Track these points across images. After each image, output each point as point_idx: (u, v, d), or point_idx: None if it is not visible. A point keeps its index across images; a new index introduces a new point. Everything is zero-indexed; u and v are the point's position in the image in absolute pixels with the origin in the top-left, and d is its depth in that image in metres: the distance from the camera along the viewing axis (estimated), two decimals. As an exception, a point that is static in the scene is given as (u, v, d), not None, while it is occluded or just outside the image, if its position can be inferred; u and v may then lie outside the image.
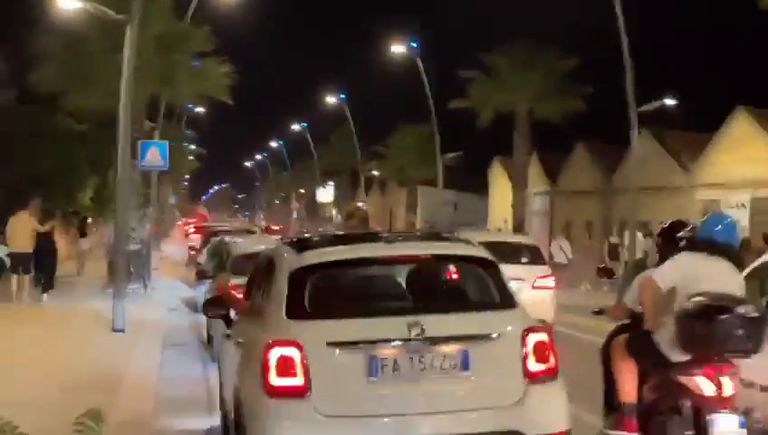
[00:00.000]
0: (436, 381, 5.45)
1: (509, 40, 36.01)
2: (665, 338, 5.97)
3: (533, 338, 5.61)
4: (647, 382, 6.27)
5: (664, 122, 32.11)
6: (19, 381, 9.67)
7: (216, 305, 7.71)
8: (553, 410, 5.60)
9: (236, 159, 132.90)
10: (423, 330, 5.41)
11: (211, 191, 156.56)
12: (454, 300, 6.07)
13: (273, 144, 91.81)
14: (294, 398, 5.34)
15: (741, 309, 5.67)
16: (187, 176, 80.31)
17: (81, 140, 26.59)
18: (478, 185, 51.69)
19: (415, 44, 36.94)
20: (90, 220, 29.59)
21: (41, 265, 18.45)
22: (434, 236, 7.50)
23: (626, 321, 6.74)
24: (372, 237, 6.50)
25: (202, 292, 15.18)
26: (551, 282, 14.98)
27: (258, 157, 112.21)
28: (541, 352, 5.60)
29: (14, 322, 14.93)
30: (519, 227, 34.88)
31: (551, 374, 5.62)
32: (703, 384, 5.78)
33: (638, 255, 21.41)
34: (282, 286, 5.76)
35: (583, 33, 39.02)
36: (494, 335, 5.61)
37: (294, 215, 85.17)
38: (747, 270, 7.20)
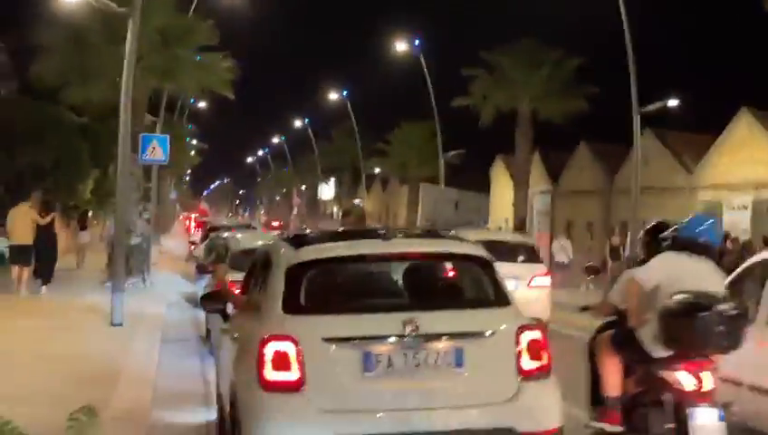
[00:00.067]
0: (431, 377, 5.49)
1: (513, 39, 36.08)
2: (648, 334, 6.17)
3: (527, 336, 5.66)
4: (630, 377, 6.49)
5: (666, 123, 32.15)
6: (16, 374, 9.68)
7: (213, 300, 7.78)
8: (546, 407, 5.64)
9: (238, 154, 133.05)
10: (418, 327, 5.45)
11: (212, 186, 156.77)
12: (449, 297, 6.13)
13: (275, 140, 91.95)
14: (289, 392, 5.37)
15: (720, 307, 5.84)
16: (189, 171, 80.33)
17: (82, 133, 26.59)
18: (480, 183, 51.61)
19: (418, 42, 37.00)
20: (90, 213, 29.62)
21: (40, 258, 18.46)
22: (430, 233, 7.55)
23: (612, 318, 6.94)
24: (369, 234, 6.52)
25: (201, 286, 15.19)
26: (547, 281, 15.03)
27: (260, 152, 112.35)
28: (534, 349, 5.64)
29: (13, 313, 14.95)
30: (520, 226, 34.90)
31: (544, 372, 5.67)
32: (683, 379, 5.98)
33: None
34: (278, 282, 5.79)
35: (587, 34, 39.04)
36: (489, 333, 5.65)
37: (295, 211, 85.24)
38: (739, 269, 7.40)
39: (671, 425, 5.94)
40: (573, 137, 40.40)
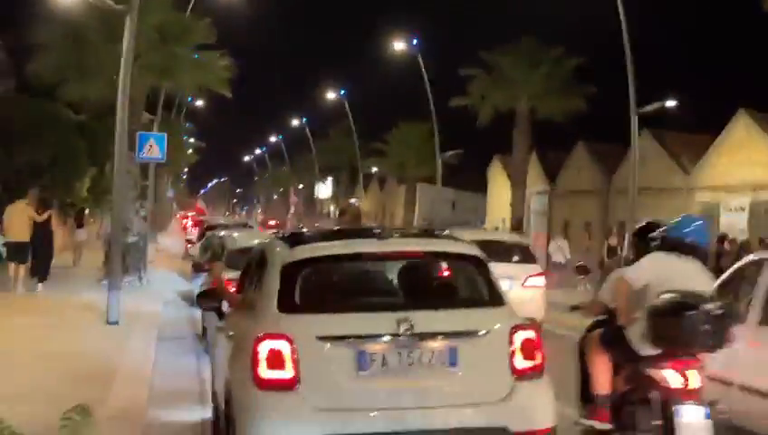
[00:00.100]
0: (425, 376, 5.51)
1: (513, 39, 36.10)
2: (636, 333, 6.25)
3: (521, 336, 5.68)
4: (619, 375, 6.59)
5: (664, 123, 32.17)
6: (12, 372, 9.67)
7: (208, 298, 7.78)
8: (540, 406, 5.66)
9: (235, 153, 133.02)
10: (412, 326, 5.47)
11: (210, 185, 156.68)
12: (443, 297, 6.14)
13: (273, 138, 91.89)
14: (284, 391, 5.38)
15: (707, 306, 5.91)
16: (186, 169, 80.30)
17: (79, 131, 26.56)
18: (477, 183, 51.72)
19: (416, 41, 36.98)
20: (87, 211, 29.60)
21: (37, 255, 18.45)
22: (426, 233, 7.57)
23: (602, 317, 7.05)
24: (364, 233, 6.53)
25: (198, 285, 15.19)
26: (541, 281, 15.05)
27: (257, 151, 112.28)
28: (528, 349, 5.66)
29: (9, 311, 14.94)
30: (517, 227, 34.90)
31: (537, 371, 5.69)
32: (670, 377, 6.06)
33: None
34: (273, 280, 5.80)
35: (586, 34, 39.06)
36: (482, 332, 5.67)
37: (292, 210, 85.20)
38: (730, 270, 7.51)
39: (658, 422, 6.02)
40: (571, 137, 40.49)
